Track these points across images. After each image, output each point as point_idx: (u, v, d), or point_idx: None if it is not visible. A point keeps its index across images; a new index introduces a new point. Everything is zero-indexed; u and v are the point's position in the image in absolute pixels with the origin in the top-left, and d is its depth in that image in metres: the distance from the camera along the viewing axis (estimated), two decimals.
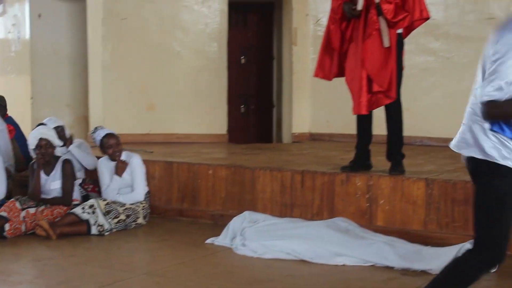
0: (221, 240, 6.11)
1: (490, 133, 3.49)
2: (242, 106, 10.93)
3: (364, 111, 6.36)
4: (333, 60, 6.60)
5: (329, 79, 6.70)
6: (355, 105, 6.39)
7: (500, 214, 3.59)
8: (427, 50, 9.58)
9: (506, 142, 3.48)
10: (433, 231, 6.12)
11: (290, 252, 5.63)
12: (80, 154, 7.43)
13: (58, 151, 6.99)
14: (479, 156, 3.53)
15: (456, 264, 3.71)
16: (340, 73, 6.61)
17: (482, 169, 3.55)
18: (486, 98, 3.37)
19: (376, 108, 6.43)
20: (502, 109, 3.37)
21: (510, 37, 3.41)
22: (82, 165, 7.47)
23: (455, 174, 6.52)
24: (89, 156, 7.53)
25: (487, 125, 3.50)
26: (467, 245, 5.18)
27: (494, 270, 5.16)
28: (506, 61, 3.36)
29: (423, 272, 5.20)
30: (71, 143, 7.58)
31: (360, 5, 6.28)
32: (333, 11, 6.52)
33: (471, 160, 3.59)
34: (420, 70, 9.57)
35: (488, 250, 3.60)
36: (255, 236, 5.87)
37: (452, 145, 3.77)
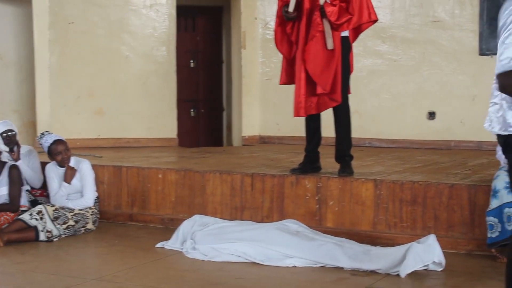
0: (171, 244, 6.08)
1: None
2: (192, 110, 10.93)
3: (302, 114, 6.40)
4: (289, 64, 6.60)
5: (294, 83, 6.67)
6: (295, 108, 6.43)
7: None
8: (375, 53, 9.69)
9: None
10: (382, 232, 6.19)
11: (240, 254, 5.63)
12: (28, 172, 7.26)
13: (5, 157, 6.89)
14: (504, 132, 3.51)
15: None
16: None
17: (509, 144, 3.53)
18: (497, 71, 3.37)
19: (323, 110, 6.48)
20: None
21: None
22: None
23: (403, 175, 6.61)
24: (36, 174, 7.35)
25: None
26: (415, 244, 5.27)
27: (441, 269, 5.27)
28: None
29: (372, 272, 5.24)
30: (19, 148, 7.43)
31: (291, 7, 6.31)
32: (277, 15, 6.57)
33: (499, 137, 3.57)
34: (368, 72, 9.68)
35: None
36: (205, 239, 5.86)
37: (485, 125, 3.69)
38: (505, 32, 3.39)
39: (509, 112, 3.51)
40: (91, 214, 6.77)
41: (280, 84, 6.78)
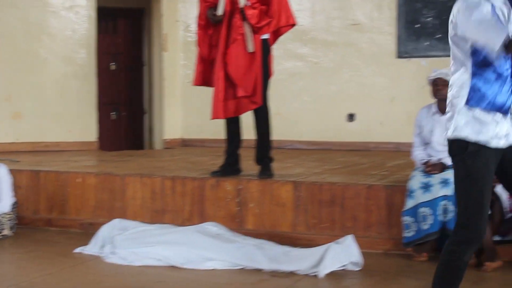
0: (90, 249, 6.00)
1: (464, 109, 3.59)
2: (113, 112, 10.81)
3: (221, 116, 6.42)
4: (206, 66, 6.61)
5: (210, 85, 6.67)
6: (213, 110, 6.44)
7: (471, 192, 3.63)
8: (296, 55, 9.77)
9: (481, 117, 3.56)
10: (302, 233, 6.24)
11: (160, 258, 5.60)
12: None
13: None
14: (451, 136, 3.63)
15: (442, 256, 3.72)
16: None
17: (454, 149, 3.64)
18: None
19: (243, 113, 6.50)
20: None
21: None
22: None
23: (322, 176, 6.69)
24: None
25: (463, 102, 3.59)
26: (333, 245, 5.34)
27: (359, 269, 5.34)
28: None
29: (292, 273, 5.28)
30: None
31: (220, 10, 6.33)
32: (199, 17, 6.56)
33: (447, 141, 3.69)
34: (289, 75, 9.76)
35: (464, 230, 3.64)
36: (125, 243, 5.81)
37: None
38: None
39: (456, 117, 3.63)
40: (8, 220, 6.63)
41: (194, 85, 6.78)
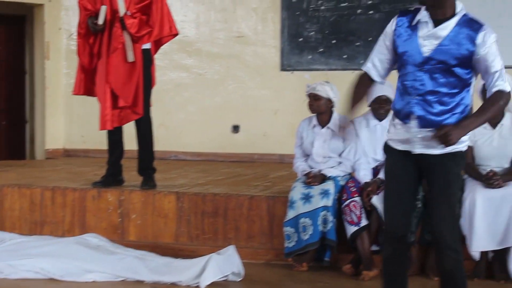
0: None
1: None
2: None
3: (108, 127, 6.36)
4: (87, 76, 6.52)
5: (92, 95, 6.57)
6: (101, 121, 6.36)
7: (385, 188, 4.11)
8: (181, 66, 9.75)
9: (393, 120, 3.98)
10: (184, 244, 6.24)
11: (38, 270, 5.47)
12: None
13: None
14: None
15: None
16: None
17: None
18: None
19: (125, 123, 6.45)
20: None
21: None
22: None
23: (205, 187, 6.70)
24: None
25: None
26: (215, 255, 5.35)
27: (240, 279, 5.38)
28: None
29: (174, 285, 5.28)
30: None
31: (101, 19, 6.26)
32: (79, 25, 6.46)
33: None
34: (174, 85, 9.73)
35: (384, 226, 4.07)
36: (1, 256, 5.64)
37: None
38: None
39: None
40: None
41: (73, 94, 6.67)
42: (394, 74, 4.05)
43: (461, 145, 3.91)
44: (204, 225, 6.23)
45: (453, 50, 3.80)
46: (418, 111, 3.85)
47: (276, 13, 9.31)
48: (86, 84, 6.51)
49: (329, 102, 5.86)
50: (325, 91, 5.81)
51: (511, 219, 5.21)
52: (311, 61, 9.12)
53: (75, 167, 8.74)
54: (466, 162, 5.35)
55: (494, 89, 3.84)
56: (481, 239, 5.23)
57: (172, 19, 6.48)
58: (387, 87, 5.51)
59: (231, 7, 9.55)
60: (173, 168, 8.51)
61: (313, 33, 9.07)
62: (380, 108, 5.74)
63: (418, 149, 3.90)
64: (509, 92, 3.86)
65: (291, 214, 5.69)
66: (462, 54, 3.80)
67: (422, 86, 3.85)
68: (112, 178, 6.65)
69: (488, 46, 3.82)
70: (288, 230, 5.69)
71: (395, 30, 3.94)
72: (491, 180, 5.25)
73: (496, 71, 3.83)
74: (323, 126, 5.90)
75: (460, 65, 3.82)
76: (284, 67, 9.29)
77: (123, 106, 6.30)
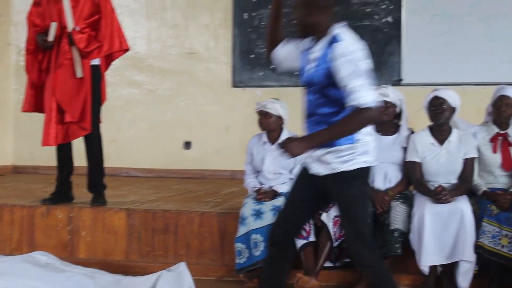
0: None
1: None
2: None
3: (52, 143, 6.29)
4: (37, 92, 6.45)
5: (41, 111, 6.50)
6: (44, 137, 6.30)
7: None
8: (132, 83, 9.71)
9: None
10: (135, 261, 6.19)
11: None
12: None
13: None
14: None
15: None
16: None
17: None
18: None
19: (72, 140, 6.40)
20: None
21: None
22: None
23: (156, 204, 6.67)
24: None
25: None
26: (165, 272, 5.31)
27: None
28: None
29: None
30: None
31: (51, 36, 6.22)
32: (27, 41, 6.41)
33: None
34: (125, 102, 9.68)
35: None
36: None
37: None
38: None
39: None
40: None
41: (23, 111, 6.60)
42: None
43: (345, 165, 3.95)
44: (155, 242, 6.20)
45: (321, 71, 3.92)
46: (308, 132, 4.00)
47: (228, 30, 9.34)
48: (36, 100, 6.45)
49: (279, 119, 5.89)
50: (275, 108, 5.84)
51: (459, 233, 5.28)
52: (263, 78, 9.16)
53: (24, 184, 8.64)
54: (415, 178, 5.49)
55: (349, 104, 3.87)
56: (430, 254, 5.29)
57: (123, 34, 6.46)
58: None
59: (182, 23, 9.56)
60: (124, 184, 8.46)
61: (264, 50, 9.10)
62: None
63: (311, 170, 4.05)
64: (367, 108, 3.83)
65: (242, 230, 5.69)
66: (325, 73, 3.90)
67: (308, 108, 4.03)
68: (62, 195, 6.58)
69: (338, 59, 3.87)
70: (239, 246, 5.69)
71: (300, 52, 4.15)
72: (439, 196, 5.32)
73: (348, 86, 3.84)
74: (273, 143, 5.93)
75: (331, 85, 3.91)
76: (235, 84, 9.32)
77: (70, 122, 6.25)
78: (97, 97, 6.40)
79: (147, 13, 9.68)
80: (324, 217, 5.51)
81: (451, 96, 5.51)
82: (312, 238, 5.58)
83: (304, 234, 5.55)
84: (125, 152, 9.60)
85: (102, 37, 6.27)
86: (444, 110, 5.48)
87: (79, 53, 6.22)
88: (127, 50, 6.54)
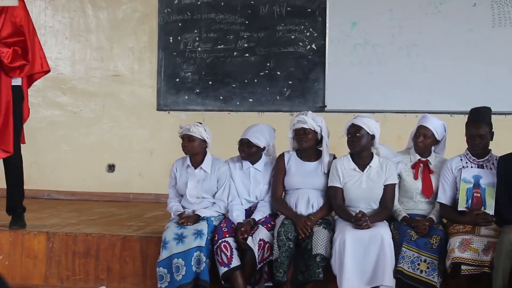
0: None
1: None
2: None
3: None
4: None
5: None
6: None
7: None
8: (55, 104, 9.59)
9: None
10: (54, 285, 6.11)
11: None
12: None
13: None
14: None
15: None
16: None
17: None
18: None
19: None
20: None
21: None
22: None
23: (77, 227, 6.59)
24: None
25: None
26: None
27: None
28: None
29: None
30: None
31: None
32: None
33: None
34: (47, 123, 9.54)
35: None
36: None
37: None
38: None
39: None
40: None
41: None
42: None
43: None
44: (75, 266, 6.11)
45: None
46: None
47: (153, 53, 9.33)
48: None
49: (203, 143, 5.91)
50: (198, 132, 5.86)
51: (379, 258, 5.35)
52: (188, 102, 9.17)
53: None
54: (336, 204, 5.57)
55: None
56: (350, 279, 5.35)
57: (44, 55, 6.40)
58: (252, 131, 5.74)
59: (107, 45, 9.50)
60: (45, 207, 8.32)
61: (189, 74, 9.14)
62: (241, 150, 5.89)
63: None
64: None
65: (164, 254, 5.65)
66: None
67: None
68: None
69: None
70: (161, 270, 5.64)
71: None
72: (359, 221, 5.40)
73: None
74: (196, 167, 5.94)
75: None
76: (160, 107, 9.29)
77: None
78: (19, 118, 6.29)
79: (71, 35, 9.59)
80: (250, 240, 5.54)
81: (367, 123, 5.62)
82: (236, 263, 5.58)
83: (225, 261, 5.55)
84: (47, 174, 9.45)
85: (28, 56, 6.19)
86: (359, 138, 5.60)
87: (1, 67, 6.11)
88: (48, 71, 6.48)
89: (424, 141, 5.72)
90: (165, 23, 9.23)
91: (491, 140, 5.62)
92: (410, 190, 5.75)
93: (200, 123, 5.94)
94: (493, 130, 5.60)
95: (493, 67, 8.37)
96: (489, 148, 5.64)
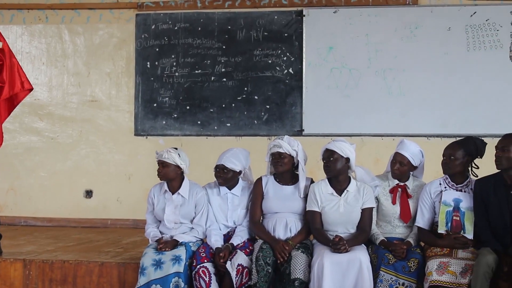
0: None
1: None
2: None
3: None
4: None
5: None
6: None
7: None
8: (32, 130, 9.54)
9: None
10: None
11: None
12: None
13: None
14: None
15: None
16: None
17: None
18: None
19: None
20: None
21: None
22: None
23: (54, 254, 6.53)
24: None
25: None
26: None
27: None
28: None
29: None
30: None
31: None
32: None
33: None
34: (24, 149, 9.48)
35: None
36: None
37: None
38: None
39: None
40: None
41: None
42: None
43: None
44: None
45: None
46: None
47: (130, 78, 9.33)
48: None
49: (178, 169, 5.90)
50: (172, 158, 5.85)
51: (357, 282, 5.35)
52: (165, 127, 9.16)
53: None
54: (314, 227, 5.58)
55: None
56: None
57: (24, 74, 6.36)
58: (227, 156, 5.74)
59: (84, 71, 9.49)
60: (21, 234, 8.24)
61: (167, 98, 9.14)
62: (217, 176, 5.90)
63: None
64: None
65: (142, 280, 5.60)
66: None
67: None
68: None
69: None
70: None
71: None
72: (337, 245, 5.40)
73: None
74: (173, 192, 5.92)
75: None
76: (138, 132, 9.28)
77: None
78: None
79: (48, 60, 9.58)
80: (228, 265, 5.52)
81: (339, 147, 5.64)
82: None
83: (204, 286, 5.52)
84: (23, 200, 9.37)
85: (4, 78, 6.16)
86: (334, 162, 5.62)
87: None
88: (30, 89, 6.44)
89: (400, 168, 5.76)
90: (142, 48, 9.24)
91: (467, 168, 5.66)
92: (388, 214, 5.77)
93: (176, 149, 5.93)
94: (475, 163, 5.66)
95: (468, 90, 8.45)
96: (467, 173, 5.68)
